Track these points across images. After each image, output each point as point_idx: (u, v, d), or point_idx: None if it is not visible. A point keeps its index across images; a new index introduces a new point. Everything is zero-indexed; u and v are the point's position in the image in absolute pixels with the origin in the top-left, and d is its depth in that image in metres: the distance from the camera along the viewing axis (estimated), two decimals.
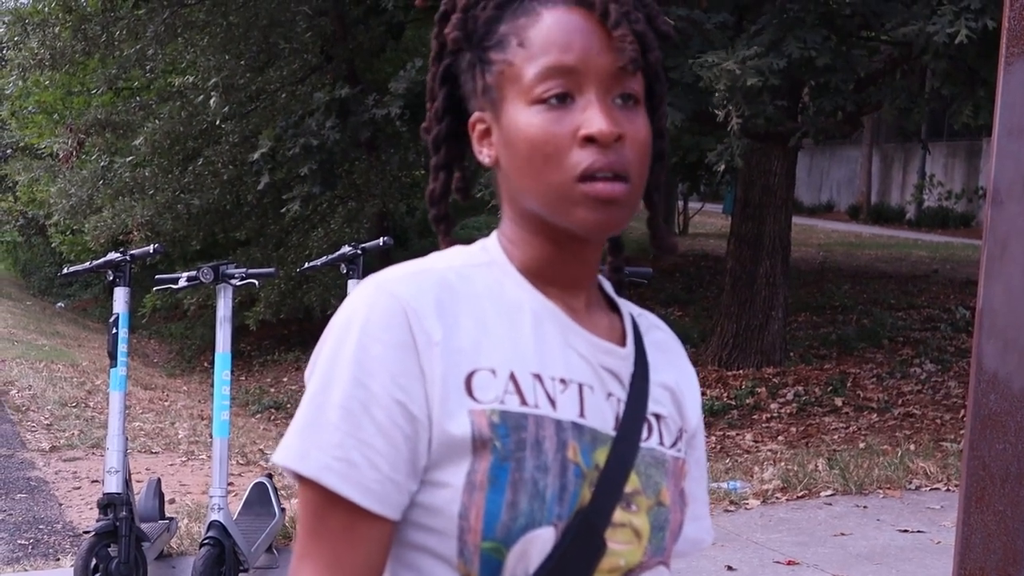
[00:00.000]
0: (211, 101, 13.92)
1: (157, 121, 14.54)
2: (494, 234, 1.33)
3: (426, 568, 1.21)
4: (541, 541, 1.17)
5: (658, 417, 1.32)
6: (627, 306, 1.39)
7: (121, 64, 14.49)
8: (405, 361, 1.18)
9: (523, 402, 1.20)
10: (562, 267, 1.28)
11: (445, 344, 1.19)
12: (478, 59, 1.27)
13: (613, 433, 1.25)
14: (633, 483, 1.24)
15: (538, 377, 1.22)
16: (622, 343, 1.33)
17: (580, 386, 1.25)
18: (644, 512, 1.25)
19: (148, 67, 15.18)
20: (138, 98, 16.09)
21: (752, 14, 8.91)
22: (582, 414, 1.23)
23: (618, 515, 1.22)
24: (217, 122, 14.44)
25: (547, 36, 1.21)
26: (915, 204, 27.49)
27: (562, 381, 1.23)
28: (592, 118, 1.19)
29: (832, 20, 8.41)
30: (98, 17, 13.49)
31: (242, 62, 14.28)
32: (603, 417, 1.25)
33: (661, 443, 1.31)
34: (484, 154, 1.29)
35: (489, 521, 1.16)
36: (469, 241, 1.35)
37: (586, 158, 1.19)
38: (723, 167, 8.32)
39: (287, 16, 13.89)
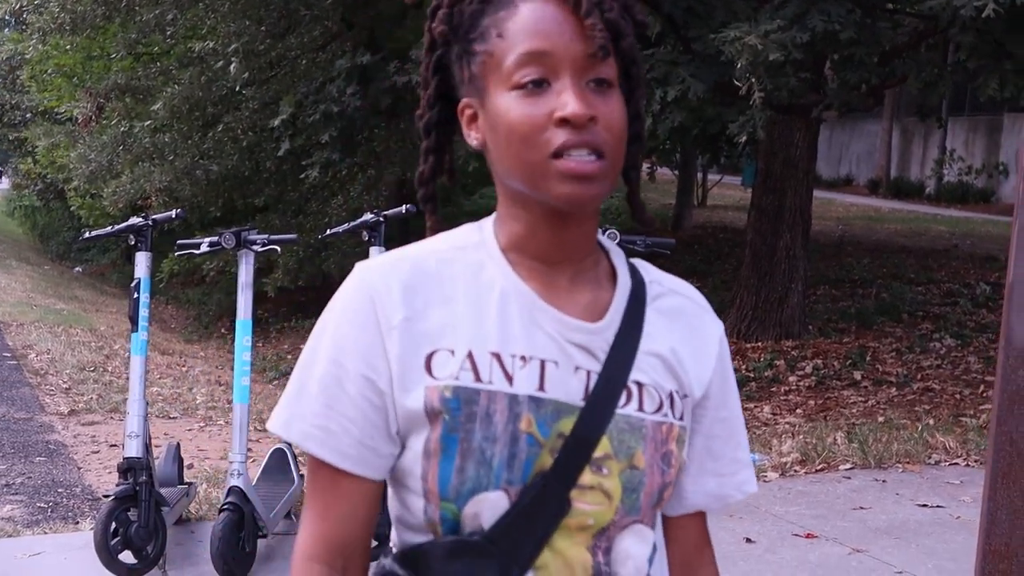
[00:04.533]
0: (231, 67, 13.85)
1: (177, 86, 14.51)
2: (493, 214, 1.44)
3: (412, 515, 1.38)
4: (490, 503, 1.31)
5: (640, 385, 1.40)
6: (646, 273, 1.48)
7: (141, 29, 14.47)
8: (372, 341, 1.34)
9: (477, 379, 1.33)
10: (544, 242, 1.38)
11: (406, 327, 1.34)
12: (463, 51, 1.37)
13: (582, 404, 1.35)
14: (604, 447, 1.35)
15: (496, 355, 1.34)
16: (600, 317, 1.40)
17: (543, 362, 1.35)
18: (616, 475, 1.36)
19: (168, 32, 15.13)
20: (158, 63, 16.03)
21: None
22: (541, 388, 1.34)
23: (587, 478, 1.34)
24: (237, 88, 14.40)
25: (523, 26, 1.31)
26: (935, 179, 27.33)
27: (522, 358, 1.35)
28: (567, 101, 1.28)
29: None
30: None
31: (262, 28, 14.20)
32: (567, 389, 1.35)
33: (640, 409, 1.39)
34: (472, 137, 1.40)
35: (443, 484, 1.31)
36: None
37: (561, 137, 1.28)
38: (744, 138, 8.27)
39: None
